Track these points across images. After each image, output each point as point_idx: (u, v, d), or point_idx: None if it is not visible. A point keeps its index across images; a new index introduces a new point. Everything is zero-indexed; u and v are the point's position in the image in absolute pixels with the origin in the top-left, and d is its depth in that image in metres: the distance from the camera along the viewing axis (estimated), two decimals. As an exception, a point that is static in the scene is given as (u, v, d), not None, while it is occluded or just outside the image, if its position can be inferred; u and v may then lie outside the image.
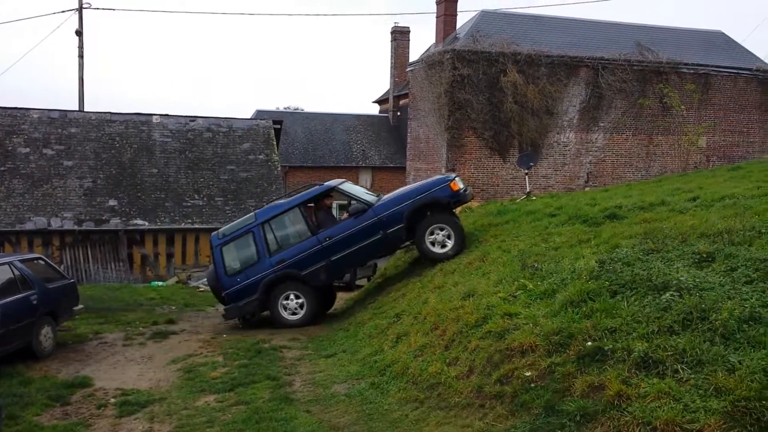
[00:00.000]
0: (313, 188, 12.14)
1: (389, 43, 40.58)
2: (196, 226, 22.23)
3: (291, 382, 8.40)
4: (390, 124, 40.71)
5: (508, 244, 10.45)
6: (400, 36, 39.94)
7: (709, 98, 26.66)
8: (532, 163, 19.27)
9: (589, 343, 5.63)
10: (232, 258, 11.55)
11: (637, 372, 5.08)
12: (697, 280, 6.33)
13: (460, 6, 27.15)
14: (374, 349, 8.87)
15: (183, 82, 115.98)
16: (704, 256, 7.13)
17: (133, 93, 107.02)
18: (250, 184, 23.68)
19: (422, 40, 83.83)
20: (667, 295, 5.99)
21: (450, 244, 10.84)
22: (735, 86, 27.55)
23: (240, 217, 22.39)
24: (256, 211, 11.90)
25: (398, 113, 39.93)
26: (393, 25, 40.33)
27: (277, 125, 25.71)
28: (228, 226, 12.32)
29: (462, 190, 11.40)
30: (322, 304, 12.43)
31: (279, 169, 24.46)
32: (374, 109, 46.15)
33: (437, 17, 26.32)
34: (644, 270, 6.76)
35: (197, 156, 24.12)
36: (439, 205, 11.09)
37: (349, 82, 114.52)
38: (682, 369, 4.93)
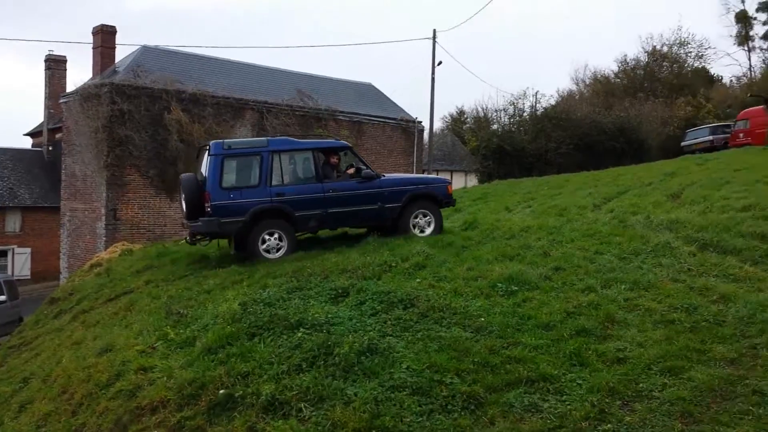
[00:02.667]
0: (329, 140, 12.81)
1: (43, 72, 36.74)
2: None
3: None
4: (45, 160, 36.58)
5: (160, 290, 9.92)
6: (56, 65, 36.41)
7: (362, 143, 29.42)
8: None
9: (222, 391, 5.47)
10: (231, 173, 10.74)
11: (264, 416, 5.06)
12: (330, 315, 6.66)
13: (119, 39, 25.85)
14: (-8, 425, 7.54)
15: None
16: (340, 291, 7.59)
17: None
18: None
19: (83, 72, 77.98)
20: (300, 333, 6.18)
21: (429, 229, 11.41)
22: (384, 133, 30.94)
23: None
24: (269, 138, 11.63)
25: (50, 148, 36.14)
26: (48, 52, 36.59)
27: None
28: (234, 140, 11.66)
29: (452, 196, 12.22)
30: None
31: None
32: (27, 143, 41.14)
33: (94, 48, 24.61)
34: (283, 309, 6.90)
35: None
36: (434, 200, 11.67)
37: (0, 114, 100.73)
38: (306, 407, 5.05)
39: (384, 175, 12.02)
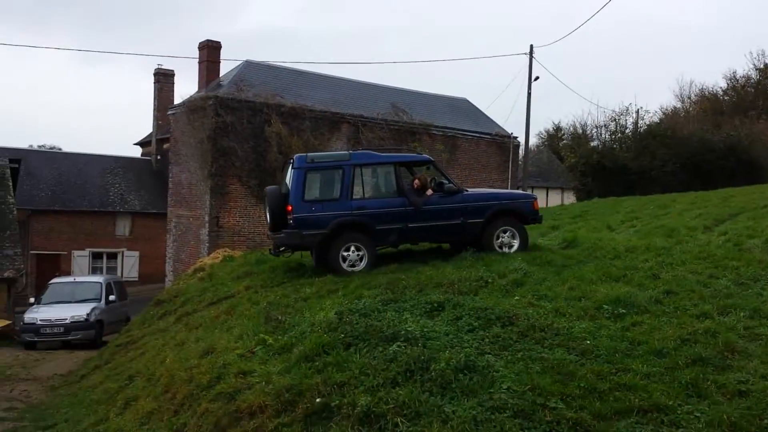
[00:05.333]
0: (410, 154, 12.83)
1: (153, 85, 38.92)
2: None
3: (-9, 464, 7.13)
4: (153, 168, 38.63)
5: (259, 296, 10.13)
6: (164, 78, 38.45)
7: (456, 158, 29.25)
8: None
9: (318, 400, 5.44)
10: (313, 186, 10.86)
11: (360, 428, 4.98)
12: (425, 329, 6.54)
13: (223, 54, 26.95)
14: (99, 418, 7.90)
15: None
16: (435, 305, 7.45)
17: None
18: (-24, 229, 20.63)
19: (189, 86, 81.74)
20: (395, 346, 6.08)
21: (514, 247, 11.01)
22: (478, 148, 30.62)
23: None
24: (352, 151, 11.69)
25: (159, 157, 38.11)
26: (156, 66, 38.71)
27: (14, 164, 22.91)
28: (317, 153, 12.04)
29: (539, 212, 11.82)
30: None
31: (14, 212, 21.67)
32: (137, 152, 43.63)
33: (200, 63, 25.81)
34: (378, 321, 6.84)
35: None
36: (519, 216, 11.31)
37: (113, 124, 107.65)
38: (402, 422, 4.93)
39: (467, 190, 11.83)
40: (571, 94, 58.19)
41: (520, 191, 13.25)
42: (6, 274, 20.01)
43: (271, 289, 10.48)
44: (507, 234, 11.08)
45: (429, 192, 11.11)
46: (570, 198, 38.28)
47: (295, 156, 11.10)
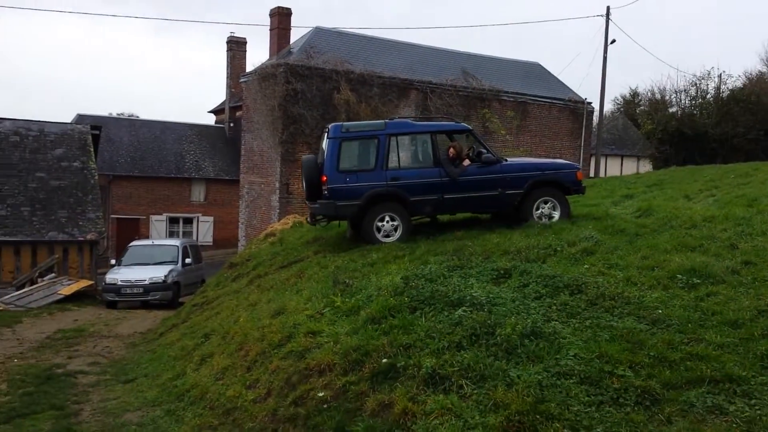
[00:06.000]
0: (448, 123, 12.35)
1: (225, 53, 39.63)
2: (-2, 238, 19.98)
3: (78, 412, 7.62)
4: (226, 136, 39.59)
5: (328, 260, 10.33)
6: (237, 46, 39.08)
7: (527, 125, 28.67)
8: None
9: (384, 360, 5.58)
10: (348, 156, 10.68)
11: (425, 388, 5.08)
12: (491, 295, 6.54)
13: (294, 21, 27.18)
14: (177, 373, 8.32)
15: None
16: (502, 272, 7.44)
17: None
18: (62, 193, 21.72)
19: (262, 53, 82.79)
20: (460, 310, 6.13)
21: (554, 218, 10.72)
22: (550, 114, 29.89)
23: (48, 229, 20.57)
24: (387, 121, 11.24)
25: (231, 124, 38.98)
26: (229, 35, 39.39)
27: (95, 131, 23.91)
28: (353, 123, 11.91)
29: (582, 183, 11.48)
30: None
31: (96, 177, 22.71)
32: (211, 120, 44.75)
33: (270, 30, 26.04)
34: (444, 286, 6.89)
35: (1, 161, 21.75)
36: (560, 187, 11.00)
37: (188, 92, 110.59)
38: (467, 384, 5.00)
39: (506, 160, 11.45)
40: (650, 58, 56.06)
41: (562, 160, 12.58)
42: (89, 237, 21.05)
43: (338, 254, 10.64)
44: (547, 205, 10.76)
45: (466, 162, 10.85)
46: (646, 166, 36.98)
47: (330, 125, 10.93)
